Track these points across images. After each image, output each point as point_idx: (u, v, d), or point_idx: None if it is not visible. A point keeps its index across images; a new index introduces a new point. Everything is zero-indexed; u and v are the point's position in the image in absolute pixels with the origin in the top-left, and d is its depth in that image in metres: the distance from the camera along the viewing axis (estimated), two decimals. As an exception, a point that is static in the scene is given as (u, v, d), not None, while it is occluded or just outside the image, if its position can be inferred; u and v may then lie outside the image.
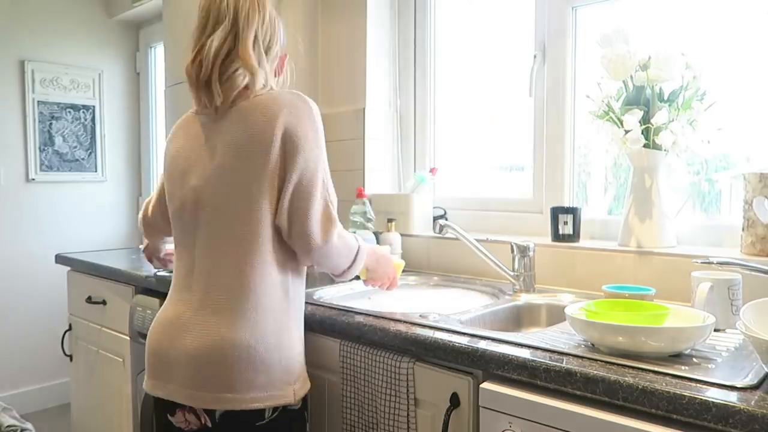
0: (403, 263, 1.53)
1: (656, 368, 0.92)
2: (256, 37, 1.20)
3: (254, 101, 1.18)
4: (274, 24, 1.24)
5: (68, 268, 2.37)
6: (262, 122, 1.15)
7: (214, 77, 1.17)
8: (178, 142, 1.29)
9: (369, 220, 1.99)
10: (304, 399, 1.24)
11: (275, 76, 1.28)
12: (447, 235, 1.70)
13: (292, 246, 1.19)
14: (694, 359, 0.97)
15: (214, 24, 1.19)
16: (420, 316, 1.30)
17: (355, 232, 1.59)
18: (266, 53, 1.23)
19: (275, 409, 1.16)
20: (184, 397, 1.16)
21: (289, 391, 1.18)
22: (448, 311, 1.35)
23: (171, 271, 1.38)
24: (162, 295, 1.82)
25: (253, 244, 1.16)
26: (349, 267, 1.27)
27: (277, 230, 1.18)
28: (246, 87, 1.19)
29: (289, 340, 1.19)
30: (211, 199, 1.19)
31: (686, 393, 0.83)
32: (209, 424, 1.16)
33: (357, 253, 1.27)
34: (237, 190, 1.16)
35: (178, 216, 1.26)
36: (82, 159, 3.35)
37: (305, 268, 1.28)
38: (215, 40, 1.17)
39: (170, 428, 1.21)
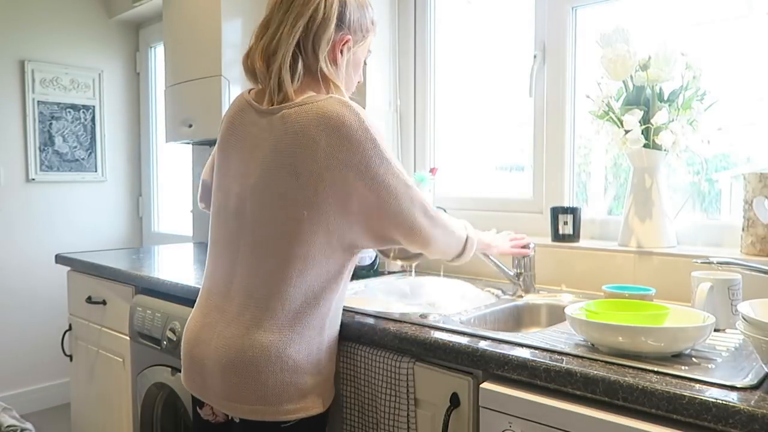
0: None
1: (656, 368, 0.92)
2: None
3: (298, 110, 1.11)
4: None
5: (68, 268, 2.37)
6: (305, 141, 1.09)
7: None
8: (228, 131, 1.23)
9: None
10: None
11: (329, 65, 1.17)
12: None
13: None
14: (694, 359, 0.97)
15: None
16: (420, 316, 1.30)
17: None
18: (319, 39, 1.13)
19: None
20: (220, 406, 1.17)
21: (318, 402, 1.17)
22: (448, 311, 1.36)
23: None
24: (162, 295, 1.83)
25: (296, 261, 1.11)
26: (459, 255, 1.29)
27: (325, 248, 1.12)
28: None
29: (323, 355, 1.18)
30: (253, 216, 1.15)
31: (686, 393, 0.83)
32: (236, 420, 1.18)
33: (465, 242, 1.28)
34: (283, 208, 1.12)
35: (222, 211, 1.22)
36: (82, 159, 3.35)
37: (345, 280, 1.21)
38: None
39: (199, 417, 1.29)
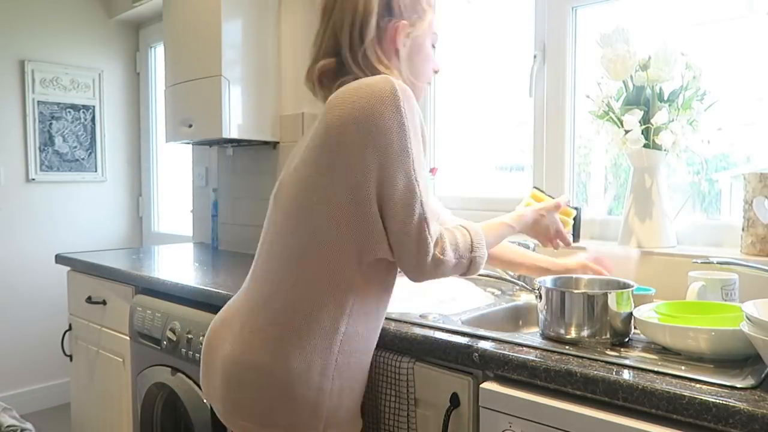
0: (573, 212, 1.36)
1: (656, 368, 0.92)
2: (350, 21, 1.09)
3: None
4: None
5: (68, 268, 2.37)
6: (327, 120, 1.03)
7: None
8: None
9: None
10: None
11: (381, 54, 1.10)
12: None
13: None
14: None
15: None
16: (420, 316, 1.30)
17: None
18: (361, 36, 1.08)
19: None
20: (219, 413, 1.13)
21: None
22: (448, 311, 1.35)
23: None
24: (162, 295, 1.83)
25: (309, 267, 1.03)
26: (465, 272, 1.08)
27: (340, 250, 1.02)
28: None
29: (326, 382, 1.04)
30: (278, 203, 1.11)
31: (686, 393, 0.83)
32: None
33: (470, 261, 1.06)
34: (292, 200, 1.06)
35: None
36: (82, 159, 3.35)
37: (378, 309, 1.11)
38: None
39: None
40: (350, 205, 1.00)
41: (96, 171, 3.40)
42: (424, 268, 1.01)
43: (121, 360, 2.04)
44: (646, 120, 1.47)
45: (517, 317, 1.47)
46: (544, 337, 1.12)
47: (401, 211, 0.99)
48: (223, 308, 1.20)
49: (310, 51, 1.15)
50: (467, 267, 1.06)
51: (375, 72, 1.07)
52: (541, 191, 1.39)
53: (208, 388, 1.16)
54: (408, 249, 1.00)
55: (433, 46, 1.19)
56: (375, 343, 1.14)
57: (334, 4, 1.10)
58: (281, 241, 1.07)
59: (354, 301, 1.05)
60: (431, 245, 1.00)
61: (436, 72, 1.23)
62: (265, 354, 1.04)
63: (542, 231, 1.30)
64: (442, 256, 1.01)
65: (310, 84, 1.15)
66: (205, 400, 1.18)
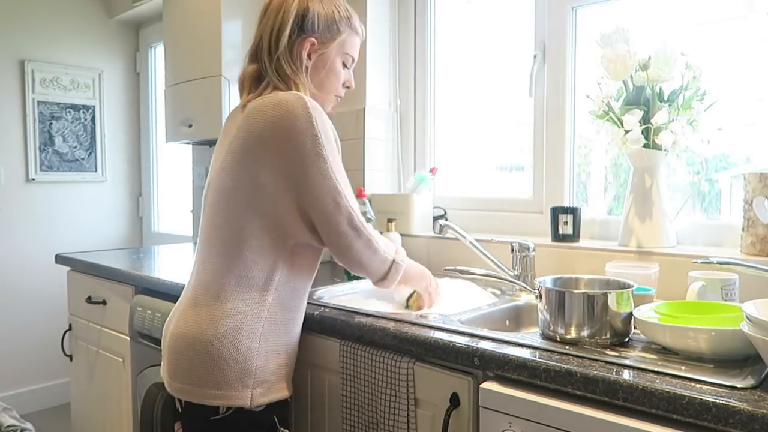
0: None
1: (656, 368, 0.92)
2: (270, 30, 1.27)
3: (255, 102, 1.23)
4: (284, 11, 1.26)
5: (68, 268, 2.37)
6: (253, 129, 1.19)
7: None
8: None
9: (369, 220, 1.99)
10: (276, 408, 1.24)
11: (293, 66, 1.27)
12: (447, 235, 1.70)
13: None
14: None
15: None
16: (420, 316, 1.30)
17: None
18: (276, 44, 1.25)
19: (229, 407, 1.18)
20: (165, 383, 1.25)
21: (244, 394, 1.17)
22: (448, 311, 1.35)
23: None
24: (162, 295, 1.83)
25: (234, 246, 1.19)
26: (382, 279, 1.28)
27: (265, 235, 1.19)
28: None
29: (254, 343, 1.19)
30: (210, 196, 1.27)
31: (686, 393, 0.83)
32: (179, 409, 1.25)
33: (390, 266, 1.27)
34: (226, 193, 1.22)
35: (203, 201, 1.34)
36: (82, 159, 3.35)
37: (304, 280, 1.27)
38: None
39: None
40: (273, 204, 1.17)
41: (96, 171, 3.41)
42: (356, 243, 1.19)
43: (121, 360, 2.04)
44: (646, 120, 1.47)
45: (517, 317, 1.47)
46: (544, 337, 1.12)
47: (326, 198, 1.16)
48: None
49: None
50: (389, 266, 1.26)
51: (285, 79, 1.24)
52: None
53: (163, 368, 1.28)
54: (337, 221, 1.17)
55: (345, 65, 1.35)
56: (298, 311, 1.28)
57: (263, 16, 1.29)
58: (214, 232, 1.23)
59: (279, 277, 1.21)
60: (363, 224, 1.20)
61: (347, 87, 1.38)
62: (199, 322, 1.19)
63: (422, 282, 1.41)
64: (370, 238, 1.22)
65: (239, 85, 1.32)
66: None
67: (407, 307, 1.48)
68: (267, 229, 1.19)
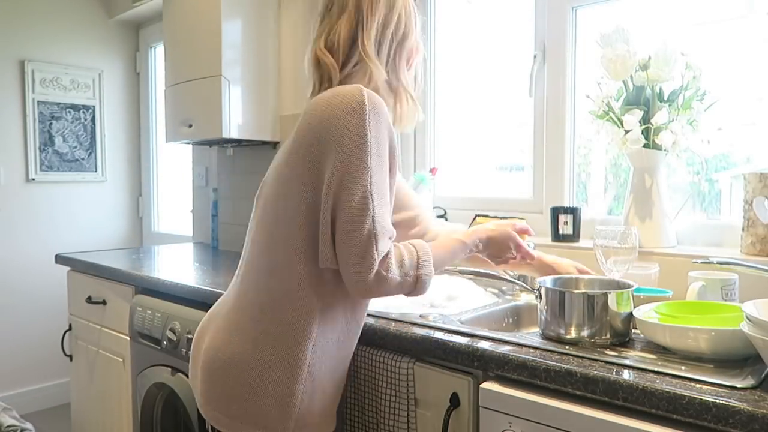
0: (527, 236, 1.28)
1: (656, 368, 0.92)
2: (381, 26, 1.11)
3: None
4: (405, 13, 1.15)
5: (68, 268, 2.37)
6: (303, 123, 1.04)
7: (336, 66, 1.10)
8: None
9: None
10: None
11: (400, 71, 1.16)
12: (447, 235, 1.69)
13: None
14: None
15: (339, 11, 1.11)
16: (420, 316, 1.30)
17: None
18: (393, 46, 1.13)
19: None
20: (198, 404, 1.15)
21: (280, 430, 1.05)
22: (448, 311, 1.35)
23: None
24: (162, 295, 1.83)
25: (277, 266, 1.05)
26: (411, 291, 1.05)
27: (309, 256, 1.03)
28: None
29: (299, 381, 1.04)
30: (259, 203, 1.13)
31: (686, 393, 0.83)
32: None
33: (414, 280, 1.03)
34: (270, 201, 1.08)
35: None
36: (82, 159, 3.35)
37: (354, 313, 1.11)
38: (342, 28, 1.09)
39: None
40: (308, 215, 1.02)
41: (96, 171, 3.40)
42: (367, 283, 0.97)
43: (121, 360, 2.04)
44: (646, 120, 1.47)
45: (517, 317, 1.47)
46: (544, 337, 1.12)
47: (348, 223, 0.97)
48: (213, 306, 1.23)
49: (317, 28, 1.14)
50: (413, 285, 1.03)
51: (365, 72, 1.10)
52: (486, 216, 1.35)
53: (193, 381, 1.20)
54: (350, 262, 0.97)
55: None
56: (352, 349, 1.15)
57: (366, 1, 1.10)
58: (261, 241, 1.09)
59: (321, 306, 1.05)
60: (376, 261, 0.97)
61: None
62: (240, 349, 1.06)
63: (497, 245, 1.22)
64: (386, 273, 0.98)
65: (324, 75, 1.12)
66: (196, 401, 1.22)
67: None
68: (310, 241, 1.03)
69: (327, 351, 1.07)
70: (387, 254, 0.99)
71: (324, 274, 1.04)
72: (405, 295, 1.05)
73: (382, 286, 0.99)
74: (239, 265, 1.16)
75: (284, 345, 1.04)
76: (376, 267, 0.97)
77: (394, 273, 1.00)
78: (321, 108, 1.01)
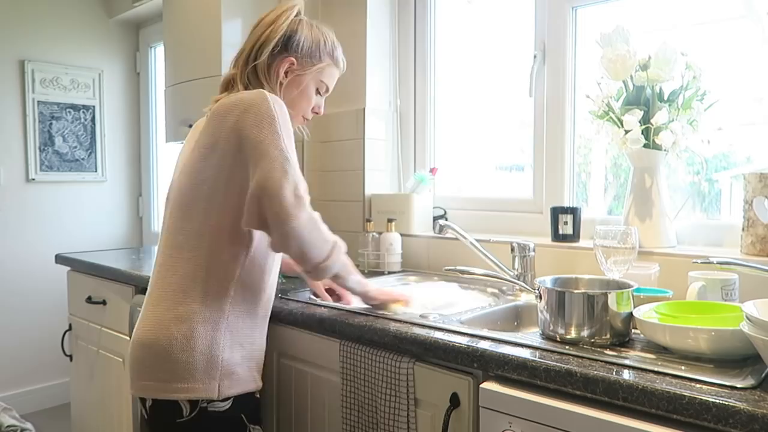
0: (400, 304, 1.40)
1: (656, 368, 0.92)
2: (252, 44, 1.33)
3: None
4: (270, 31, 1.32)
5: (68, 268, 2.37)
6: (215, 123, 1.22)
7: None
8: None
9: None
10: (243, 405, 1.24)
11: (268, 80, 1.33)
12: (447, 235, 1.70)
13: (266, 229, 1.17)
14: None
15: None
16: (420, 316, 1.30)
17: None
18: (257, 55, 1.31)
19: (193, 407, 1.18)
20: (130, 386, 1.26)
21: (211, 386, 1.18)
22: (448, 311, 1.35)
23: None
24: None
25: (184, 242, 1.22)
26: (323, 261, 1.19)
27: (217, 230, 1.20)
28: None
29: (219, 333, 1.20)
30: (171, 197, 1.30)
31: (686, 393, 0.83)
32: (145, 415, 1.24)
33: (333, 247, 1.21)
34: (181, 190, 1.26)
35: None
36: (82, 159, 3.35)
37: (259, 273, 1.26)
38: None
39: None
40: (229, 185, 1.19)
41: (96, 171, 3.41)
42: (292, 206, 1.12)
43: (121, 360, 2.04)
44: (646, 120, 1.47)
45: (517, 317, 1.47)
46: (544, 337, 1.12)
47: (272, 164, 1.13)
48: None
49: None
50: (332, 245, 1.20)
51: (256, 85, 1.29)
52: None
53: (128, 368, 1.29)
54: (282, 188, 1.12)
55: (319, 92, 1.41)
56: (266, 311, 1.31)
57: (254, 28, 1.34)
58: (176, 227, 1.24)
59: (240, 271, 1.22)
60: (302, 188, 1.15)
61: (315, 113, 1.43)
62: (164, 319, 1.19)
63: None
64: (303, 204, 1.15)
65: (220, 89, 1.36)
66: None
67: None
68: (224, 219, 1.20)
69: (241, 308, 1.24)
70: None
71: (237, 240, 1.21)
72: (316, 262, 1.19)
73: (312, 221, 1.16)
74: (154, 264, 1.29)
75: (206, 306, 1.20)
76: (306, 201, 1.15)
77: (318, 219, 1.19)
78: (233, 104, 1.24)
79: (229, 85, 1.34)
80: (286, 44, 1.32)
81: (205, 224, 1.21)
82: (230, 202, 1.19)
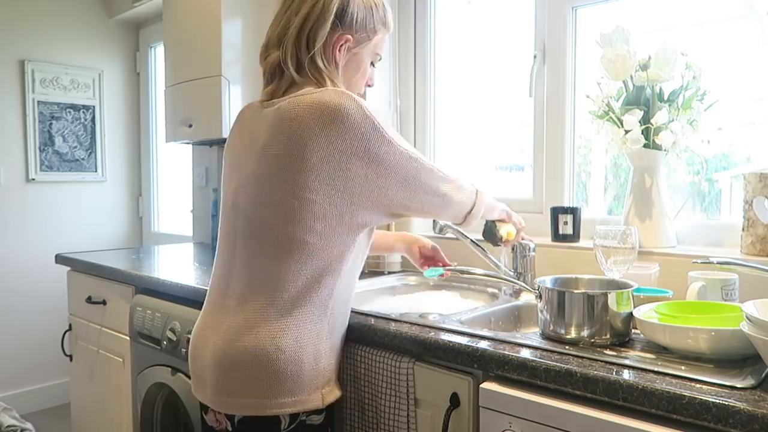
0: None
1: (656, 368, 0.92)
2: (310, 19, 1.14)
3: (292, 102, 1.10)
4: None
5: (68, 268, 2.37)
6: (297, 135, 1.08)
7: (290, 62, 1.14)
8: (232, 135, 1.26)
9: None
10: (329, 412, 1.18)
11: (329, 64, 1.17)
12: (447, 235, 1.70)
13: None
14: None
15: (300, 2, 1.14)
16: (420, 316, 1.30)
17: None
18: (314, 38, 1.14)
19: (293, 420, 1.11)
20: (215, 405, 1.15)
21: (316, 396, 1.13)
22: (448, 311, 1.35)
23: None
24: (162, 295, 1.83)
25: (281, 254, 1.10)
26: (469, 212, 1.24)
27: (323, 233, 1.09)
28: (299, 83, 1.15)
29: (322, 340, 1.13)
30: (247, 206, 1.15)
31: (686, 393, 0.83)
32: (229, 428, 1.14)
33: (476, 196, 1.24)
34: (272, 206, 1.11)
35: (223, 207, 1.24)
36: (82, 159, 3.35)
37: (351, 263, 1.17)
38: (296, 19, 1.13)
39: (205, 423, 1.22)
40: (338, 207, 1.08)
41: (96, 171, 3.40)
42: (457, 202, 1.20)
43: (121, 360, 2.04)
44: (646, 120, 1.47)
45: (517, 317, 1.47)
46: (544, 337, 1.12)
47: (408, 168, 1.11)
48: (205, 304, 1.25)
49: (268, 30, 1.19)
50: (473, 193, 1.24)
51: (319, 77, 1.13)
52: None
53: (200, 385, 1.19)
54: (432, 185, 1.15)
55: (373, 64, 1.27)
56: (353, 299, 1.25)
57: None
58: (259, 238, 1.12)
59: (340, 274, 1.14)
60: (435, 169, 1.16)
61: (368, 86, 1.31)
62: (261, 334, 1.09)
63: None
64: (455, 186, 1.20)
65: (268, 75, 1.19)
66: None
67: (499, 241, 1.42)
68: (323, 222, 1.09)
69: (339, 309, 1.18)
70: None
71: (334, 229, 1.10)
72: (466, 213, 1.23)
73: (450, 184, 1.19)
74: (230, 253, 1.19)
75: (308, 316, 1.11)
76: (444, 175, 1.18)
77: (458, 180, 1.21)
78: (312, 113, 1.09)
79: (276, 72, 1.16)
80: (342, 19, 1.14)
81: (311, 232, 1.09)
82: (339, 212, 1.09)
